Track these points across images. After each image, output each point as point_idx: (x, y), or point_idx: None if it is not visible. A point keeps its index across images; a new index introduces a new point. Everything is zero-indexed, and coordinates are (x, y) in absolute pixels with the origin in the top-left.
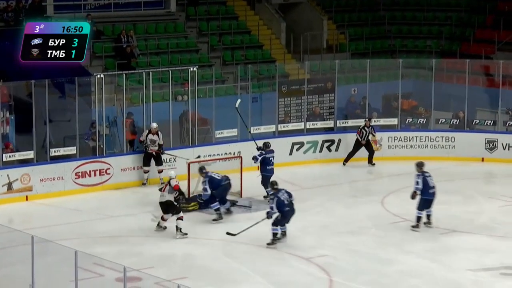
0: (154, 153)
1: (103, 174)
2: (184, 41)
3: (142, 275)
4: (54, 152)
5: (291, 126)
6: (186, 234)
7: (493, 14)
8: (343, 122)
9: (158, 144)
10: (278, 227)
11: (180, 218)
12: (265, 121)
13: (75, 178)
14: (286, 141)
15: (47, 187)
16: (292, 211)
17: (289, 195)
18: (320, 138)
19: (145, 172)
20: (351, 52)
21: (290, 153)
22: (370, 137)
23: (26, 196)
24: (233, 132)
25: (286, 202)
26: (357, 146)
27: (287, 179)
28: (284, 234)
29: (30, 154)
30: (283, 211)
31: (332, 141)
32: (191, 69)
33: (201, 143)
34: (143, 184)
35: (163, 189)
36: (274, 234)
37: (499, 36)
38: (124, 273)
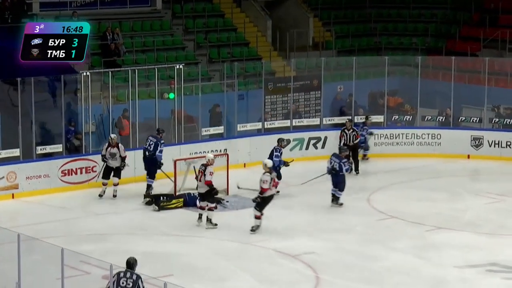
0: (114, 167)
1: (89, 172)
2: (170, 38)
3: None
4: (40, 150)
5: (277, 124)
6: (216, 225)
7: (478, 12)
8: (329, 120)
9: (120, 157)
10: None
11: (211, 209)
12: (251, 119)
13: (61, 176)
14: (273, 139)
15: (33, 184)
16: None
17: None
18: (306, 135)
19: (104, 184)
20: (337, 49)
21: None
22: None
23: (12, 194)
24: (219, 129)
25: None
26: (352, 151)
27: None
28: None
29: (16, 152)
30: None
31: (318, 139)
32: (177, 67)
33: (187, 140)
34: (100, 196)
35: (199, 178)
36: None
37: (485, 33)
38: (111, 270)
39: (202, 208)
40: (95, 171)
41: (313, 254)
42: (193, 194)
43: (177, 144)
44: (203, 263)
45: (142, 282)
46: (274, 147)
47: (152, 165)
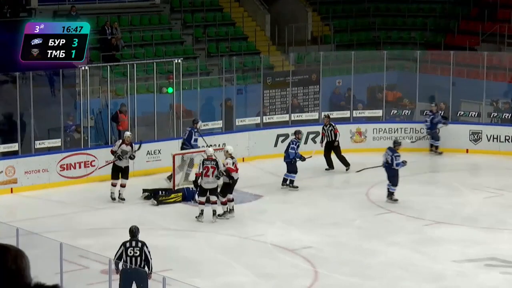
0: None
1: (88, 166)
2: (169, 33)
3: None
4: (39, 144)
5: (276, 118)
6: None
7: (477, 6)
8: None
9: (131, 156)
10: None
11: (224, 203)
12: (250, 113)
13: (60, 170)
14: (271, 133)
15: (32, 179)
16: None
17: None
18: (305, 130)
19: (113, 185)
20: (336, 43)
21: (275, 145)
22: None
23: (11, 189)
24: (218, 124)
25: None
26: (335, 149)
27: (272, 171)
28: None
29: (14, 147)
30: None
31: (317, 133)
32: (176, 61)
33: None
34: (113, 199)
35: (205, 173)
36: None
37: (484, 27)
38: (109, 265)
39: (213, 203)
40: (94, 166)
41: (312, 249)
42: (192, 188)
43: (176, 139)
44: (202, 258)
45: (147, 247)
46: (291, 140)
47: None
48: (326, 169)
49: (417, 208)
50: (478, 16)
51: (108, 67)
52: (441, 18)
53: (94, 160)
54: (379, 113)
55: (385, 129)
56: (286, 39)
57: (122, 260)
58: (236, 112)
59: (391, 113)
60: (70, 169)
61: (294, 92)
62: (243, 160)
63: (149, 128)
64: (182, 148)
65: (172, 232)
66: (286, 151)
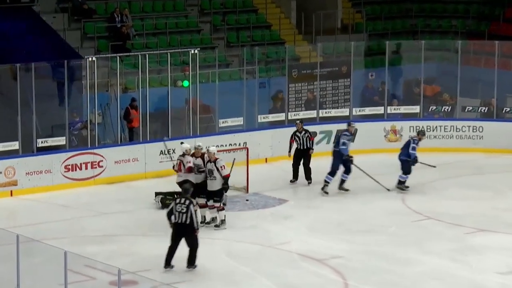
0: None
1: (95, 167)
2: (185, 20)
3: (138, 278)
4: (41, 143)
5: (302, 115)
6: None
7: None
8: (359, 110)
9: (209, 171)
10: None
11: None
12: (273, 109)
13: (65, 172)
14: None
15: (34, 181)
16: None
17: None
18: (334, 127)
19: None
20: (368, 32)
21: None
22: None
23: (11, 191)
24: (238, 121)
25: None
26: (306, 159)
27: (298, 172)
28: None
29: (15, 145)
30: None
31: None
32: (192, 52)
33: (203, 133)
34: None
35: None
36: None
37: None
38: (119, 276)
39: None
40: (102, 166)
41: (341, 258)
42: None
43: (192, 137)
44: (218, 267)
45: (193, 206)
46: (342, 133)
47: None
48: (291, 181)
49: (457, 213)
50: None
51: (118, 58)
52: (485, 5)
53: (102, 161)
54: (416, 109)
55: (422, 127)
56: (313, 27)
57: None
58: (258, 107)
59: (430, 110)
60: (76, 170)
61: (322, 86)
62: (266, 161)
63: (162, 125)
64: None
65: None
66: (337, 146)
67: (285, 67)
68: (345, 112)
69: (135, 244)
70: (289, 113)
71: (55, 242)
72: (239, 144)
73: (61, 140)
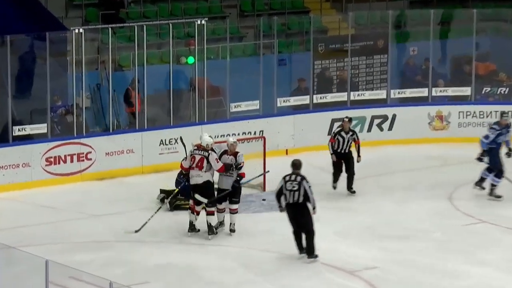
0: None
1: (82, 160)
2: None
3: None
4: (18, 130)
5: (330, 98)
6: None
7: None
8: (398, 93)
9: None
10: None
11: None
12: (297, 90)
13: (46, 165)
14: (324, 117)
15: (9, 176)
16: None
17: None
18: (368, 113)
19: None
20: None
21: (329, 133)
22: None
23: None
24: (254, 105)
25: None
26: (336, 164)
27: (325, 166)
28: None
29: None
30: None
31: (385, 117)
32: (199, 22)
33: (211, 119)
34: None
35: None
36: None
37: None
38: None
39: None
40: (90, 159)
41: (375, 269)
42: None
43: (198, 124)
44: (230, 280)
45: (307, 182)
46: (490, 126)
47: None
48: (334, 187)
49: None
50: None
51: (110, 29)
52: None
53: (90, 152)
54: (466, 91)
55: (474, 112)
56: None
57: (283, 195)
58: (277, 89)
59: (483, 91)
60: (59, 163)
61: (354, 64)
62: (287, 153)
63: (162, 110)
64: None
65: (192, 247)
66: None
67: (310, 40)
68: (381, 94)
69: (131, 251)
70: (314, 96)
71: (35, 250)
72: (255, 133)
73: (41, 128)
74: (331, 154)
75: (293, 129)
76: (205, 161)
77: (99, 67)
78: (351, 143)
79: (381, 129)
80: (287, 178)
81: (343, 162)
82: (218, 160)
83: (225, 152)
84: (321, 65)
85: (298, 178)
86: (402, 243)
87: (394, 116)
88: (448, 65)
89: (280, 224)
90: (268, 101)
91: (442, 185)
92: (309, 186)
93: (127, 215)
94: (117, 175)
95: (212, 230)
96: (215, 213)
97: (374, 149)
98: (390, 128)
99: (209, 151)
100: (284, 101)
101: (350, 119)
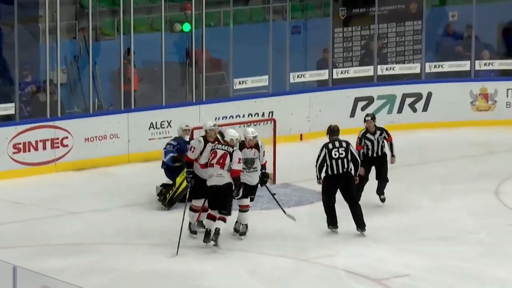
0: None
1: (57, 147)
2: None
3: None
4: None
5: (353, 72)
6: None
7: None
8: (435, 66)
9: (249, 160)
10: None
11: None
12: (311, 64)
13: (14, 153)
14: (346, 96)
15: None
16: None
17: None
18: (399, 90)
19: (202, 210)
20: None
21: (352, 115)
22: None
23: None
24: (262, 81)
25: None
26: (378, 165)
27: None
28: None
29: None
30: None
31: (418, 96)
32: None
33: (211, 98)
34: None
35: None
36: None
37: None
38: None
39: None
40: (67, 145)
41: (407, 277)
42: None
43: (196, 104)
44: None
45: (352, 146)
46: None
47: None
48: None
49: None
50: None
51: None
52: None
53: (66, 137)
54: None
55: None
56: None
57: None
58: (290, 62)
59: None
60: (29, 150)
61: (382, 32)
62: (301, 138)
63: (153, 86)
64: None
65: (190, 251)
66: None
67: (329, 4)
68: (414, 68)
69: (115, 256)
70: (334, 70)
71: (1, 254)
72: (263, 115)
73: (8, 109)
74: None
75: (309, 110)
76: (228, 158)
77: (77, 36)
78: (383, 143)
79: (414, 110)
80: (330, 145)
81: (372, 168)
82: (241, 161)
83: (243, 145)
84: (342, 33)
85: (344, 144)
86: (440, 246)
87: (429, 95)
88: (494, 33)
89: (294, 224)
90: (279, 76)
91: (487, 176)
92: (355, 151)
93: (110, 213)
94: (99, 165)
95: (217, 238)
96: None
97: (406, 133)
98: (424, 109)
99: (234, 148)
100: (298, 76)
101: (374, 116)
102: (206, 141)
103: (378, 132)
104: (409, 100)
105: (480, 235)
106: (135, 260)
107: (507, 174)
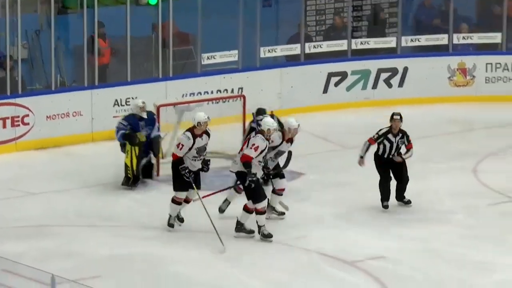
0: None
1: (18, 125)
2: None
3: None
4: None
5: (326, 47)
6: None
7: None
8: (411, 40)
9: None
10: None
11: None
12: (282, 38)
13: None
14: (319, 71)
15: None
16: None
17: None
18: (374, 65)
19: (188, 202)
20: None
21: (325, 91)
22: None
23: None
24: (231, 56)
25: None
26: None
27: (319, 132)
28: None
29: None
30: None
31: (394, 71)
32: None
33: (178, 73)
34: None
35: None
36: None
37: None
38: (52, 285)
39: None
40: (28, 124)
41: (382, 259)
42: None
43: (163, 80)
44: (202, 275)
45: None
46: None
47: None
48: (384, 206)
49: None
50: None
51: None
52: None
53: (27, 115)
54: (496, 38)
55: (505, 64)
56: None
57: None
58: (260, 37)
59: None
60: None
61: (356, 3)
62: (272, 116)
63: (118, 62)
64: None
65: (157, 234)
66: None
67: None
68: (389, 42)
69: (79, 239)
70: (306, 44)
71: None
72: (232, 91)
73: None
74: (361, 157)
75: (280, 86)
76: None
77: (38, 9)
78: (400, 147)
79: (390, 86)
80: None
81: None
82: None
83: (261, 133)
84: (315, 5)
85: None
86: (417, 228)
87: (405, 69)
88: (473, 5)
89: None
90: (249, 51)
91: (466, 155)
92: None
93: (73, 194)
94: (61, 144)
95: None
96: None
97: (381, 110)
98: (400, 85)
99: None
100: (269, 51)
101: (401, 116)
102: (194, 136)
103: (400, 135)
104: (384, 76)
105: (460, 215)
106: (98, 243)
107: (486, 152)
